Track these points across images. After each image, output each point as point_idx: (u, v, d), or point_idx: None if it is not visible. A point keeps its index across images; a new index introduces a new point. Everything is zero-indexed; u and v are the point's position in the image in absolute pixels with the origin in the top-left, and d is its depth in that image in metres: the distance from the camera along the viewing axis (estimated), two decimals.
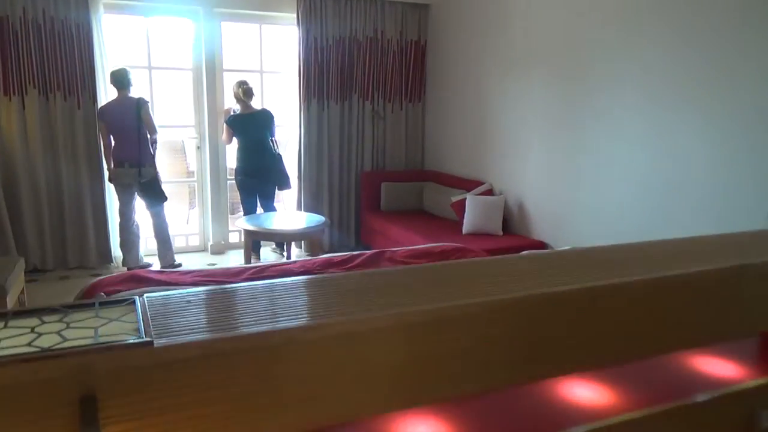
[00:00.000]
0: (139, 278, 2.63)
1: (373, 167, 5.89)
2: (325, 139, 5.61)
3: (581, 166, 4.13)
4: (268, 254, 5.64)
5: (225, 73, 5.44)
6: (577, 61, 4.10)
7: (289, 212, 5.25)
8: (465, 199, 4.89)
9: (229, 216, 5.78)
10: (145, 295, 0.91)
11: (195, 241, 5.72)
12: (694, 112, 3.28)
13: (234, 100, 5.25)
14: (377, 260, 3.09)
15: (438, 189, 5.56)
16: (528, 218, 4.70)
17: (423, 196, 5.73)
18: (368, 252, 3.18)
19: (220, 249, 5.62)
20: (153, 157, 4.70)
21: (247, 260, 4.30)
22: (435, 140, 5.96)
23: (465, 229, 4.76)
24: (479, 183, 5.15)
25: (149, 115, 4.63)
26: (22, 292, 3.77)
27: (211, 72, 5.34)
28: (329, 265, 2.98)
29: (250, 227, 4.17)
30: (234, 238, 5.83)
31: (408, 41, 5.80)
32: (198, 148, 5.56)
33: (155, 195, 4.71)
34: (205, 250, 5.69)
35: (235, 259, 5.43)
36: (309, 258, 3.08)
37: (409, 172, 5.94)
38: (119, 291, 2.49)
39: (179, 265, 4.97)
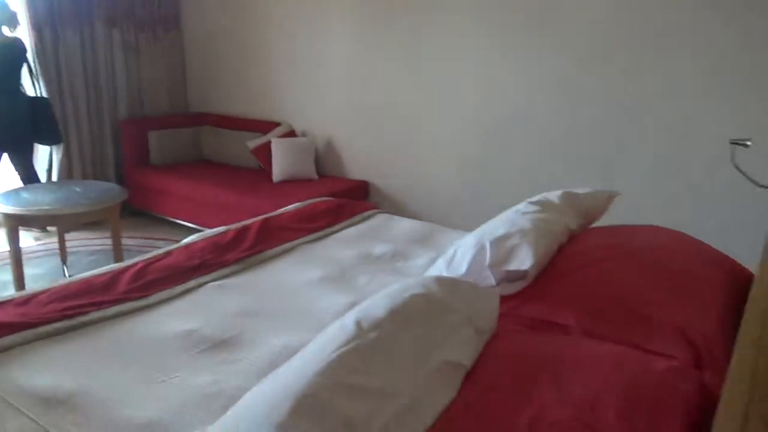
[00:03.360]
0: None
1: (131, 113, 4.76)
2: (64, 78, 4.27)
3: (396, 99, 4.02)
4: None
5: None
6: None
7: (53, 182, 3.90)
8: (269, 144, 4.35)
9: None
10: None
11: None
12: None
13: None
14: (270, 232, 2.49)
15: (220, 134, 4.81)
16: (339, 159, 4.44)
17: (201, 143, 4.90)
18: (251, 222, 2.54)
19: None
20: None
21: (16, 256, 3.06)
22: (201, 77, 5.09)
23: (276, 176, 4.27)
24: (274, 124, 4.62)
25: None
26: None
27: None
28: (221, 249, 2.27)
29: (17, 210, 2.93)
30: None
31: None
32: None
33: None
34: None
35: None
36: (189, 242, 2.30)
37: (178, 117, 4.98)
38: None
39: None
